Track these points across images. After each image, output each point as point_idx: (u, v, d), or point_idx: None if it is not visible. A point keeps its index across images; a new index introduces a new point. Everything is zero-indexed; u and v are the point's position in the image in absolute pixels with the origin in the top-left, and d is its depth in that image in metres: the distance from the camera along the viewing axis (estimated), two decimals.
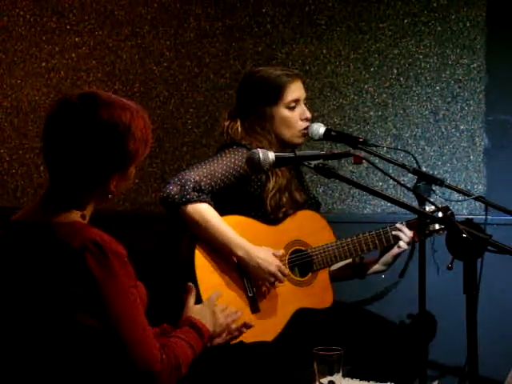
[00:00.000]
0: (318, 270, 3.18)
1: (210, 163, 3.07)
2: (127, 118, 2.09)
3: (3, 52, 4.03)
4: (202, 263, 2.98)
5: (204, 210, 2.99)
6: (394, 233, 3.20)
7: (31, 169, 4.01)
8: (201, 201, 2.98)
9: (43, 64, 4.02)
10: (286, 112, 3.18)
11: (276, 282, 3.04)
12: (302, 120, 3.20)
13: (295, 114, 3.19)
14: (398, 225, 3.21)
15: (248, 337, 2.83)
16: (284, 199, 3.17)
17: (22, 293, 2.05)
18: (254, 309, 3.03)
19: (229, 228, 3.01)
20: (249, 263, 3.00)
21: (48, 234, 2.04)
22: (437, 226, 3.21)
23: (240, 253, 3.00)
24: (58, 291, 2.00)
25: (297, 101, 3.19)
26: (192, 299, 2.41)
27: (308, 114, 3.21)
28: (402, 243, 3.20)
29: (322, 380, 2.21)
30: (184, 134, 3.98)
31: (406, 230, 3.20)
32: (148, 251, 3.76)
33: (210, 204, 3.01)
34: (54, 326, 2.02)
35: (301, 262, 3.16)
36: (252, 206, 3.15)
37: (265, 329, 3.02)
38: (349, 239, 3.20)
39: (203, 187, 3.00)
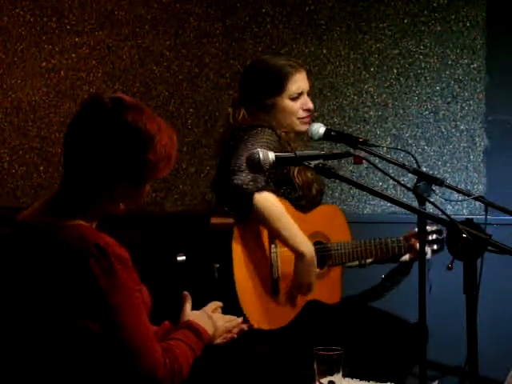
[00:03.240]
0: (333, 265, 3.21)
1: (257, 146, 3.05)
2: (153, 128, 2.07)
3: (3, 52, 4.03)
4: (238, 237, 3.01)
5: (277, 202, 3.01)
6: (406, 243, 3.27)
7: (31, 169, 4.01)
8: (271, 191, 3.02)
9: (43, 64, 4.02)
10: (288, 102, 3.20)
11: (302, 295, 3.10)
12: (303, 110, 3.22)
13: (297, 104, 3.21)
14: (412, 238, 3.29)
15: (262, 318, 2.88)
16: (310, 176, 3.19)
17: (25, 295, 2.05)
18: (275, 291, 3.06)
19: (295, 224, 3.03)
20: (305, 261, 3.01)
21: (52, 235, 2.03)
22: (435, 247, 3.28)
23: (302, 248, 3.01)
24: (61, 294, 2.00)
25: (300, 93, 3.20)
26: (188, 306, 2.40)
27: (310, 105, 3.23)
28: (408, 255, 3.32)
29: (322, 380, 2.21)
30: (184, 134, 3.98)
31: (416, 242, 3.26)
32: (148, 251, 3.77)
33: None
34: (56, 330, 2.01)
35: (320, 254, 3.18)
36: (281, 184, 3.16)
37: (279, 314, 3.06)
38: (367, 242, 3.24)
39: (265, 176, 3.03)
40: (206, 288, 2.46)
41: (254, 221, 3.02)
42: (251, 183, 2.95)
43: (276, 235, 3.04)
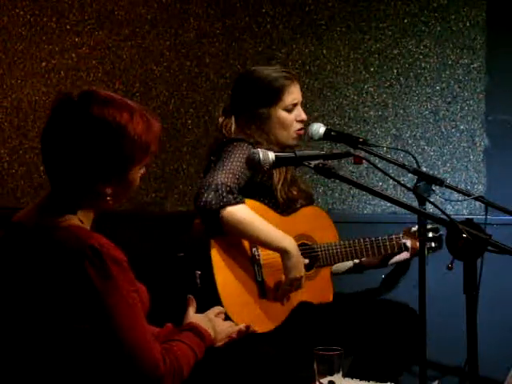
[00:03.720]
0: (322, 266, 3.20)
1: (227, 164, 3.06)
2: (123, 119, 2.03)
3: (3, 52, 4.03)
4: (216, 243, 3.01)
5: (244, 211, 3.00)
6: (403, 241, 3.24)
7: (31, 169, 4.00)
8: (238, 202, 2.99)
9: (43, 64, 4.02)
10: (283, 114, 3.21)
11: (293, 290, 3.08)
12: (297, 122, 3.22)
13: (292, 115, 3.21)
14: (403, 240, 3.25)
15: (253, 321, 2.87)
16: (294, 192, 3.20)
17: (21, 296, 2.04)
18: (262, 293, 3.06)
19: (270, 224, 3.02)
20: (292, 256, 3.01)
21: (46, 237, 2.02)
22: (433, 244, 3.26)
23: (284, 244, 3.01)
24: (57, 296, 1.99)
25: (295, 104, 3.21)
26: (192, 309, 2.40)
27: (304, 116, 3.24)
28: (405, 254, 3.27)
29: (322, 380, 2.21)
30: (184, 134, 3.99)
31: (408, 240, 3.24)
32: (148, 251, 3.77)
33: (245, 204, 3.02)
34: (53, 332, 2.00)
35: (307, 256, 3.17)
36: (264, 196, 3.16)
37: (269, 315, 3.06)
38: (356, 241, 3.22)
39: (233, 188, 3.00)
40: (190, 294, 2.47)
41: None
42: (213, 202, 2.95)
43: (255, 242, 3.05)
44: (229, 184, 2.99)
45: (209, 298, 2.90)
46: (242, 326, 2.46)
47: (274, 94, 3.19)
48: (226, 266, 3.01)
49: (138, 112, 2.07)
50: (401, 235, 3.28)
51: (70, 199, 2.08)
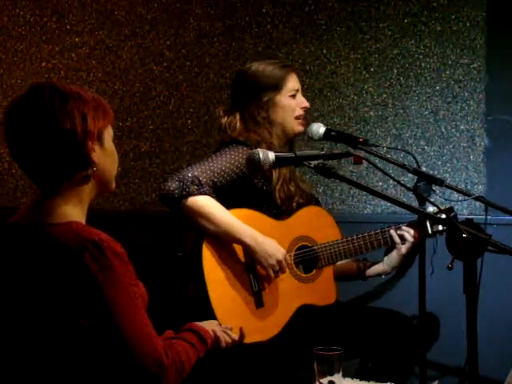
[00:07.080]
0: (323, 266, 3.19)
1: (209, 161, 3.09)
2: (57, 101, 2.08)
3: (3, 52, 4.03)
4: (209, 257, 2.99)
5: (206, 201, 2.98)
6: (398, 232, 3.21)
7: None
8: (201, 193, 2.98)
9: (43, 64, 4.02)
10: (288, 100, 3.22)
11: (280, 275, 3.05)
12: (300, 108, 3.24)
13: (295, 102, 3.23)
14: (402, 226, 3.23)
15: (252, 331, 2.84)
16: (292, 189, 3.20)
17: (22, 297, 2.04)
18: (259, 303, 3.04)
19: (233, 217, 3.01)
20: (256, 249, 3.00)
21: (45, 235, 2.03)
22: (440, 227, 3.23)
23: (247, 240, 3.00)
24: (58, 294, 1.99)
25: (297, 90, 3.24)
26: None
27: (307, 104, 3.28)
28: (404, 243, 3.22)
29: (322, 380, 2.21)
30: (184, 134, 3.99)
31: (410, 230, 3.22)
32: (148, 251, 3.76)
33: (211, 196, 3.00)
34: (55, 330, 2.00)
35: (306, 258, 3.17)
36: (262, 201, 3.16)
37: (269, 323, 3.05)
38: (354, 237, 3.21)
39: (202, 181, 2.99)
40: (182, 308, 2.46)
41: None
42: (176, 191, 2.96)
43: (216, 235, 3.00)
44: (199, 178, 2.99)
45: (202, 312, 2.89)
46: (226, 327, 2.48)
47: (278, 80, 3.20)
48: (220, 280, 2.98)
49: (73, 90, 2.12)
50: (402, 227, 3.25)
51: (58, 188, 2.08)
